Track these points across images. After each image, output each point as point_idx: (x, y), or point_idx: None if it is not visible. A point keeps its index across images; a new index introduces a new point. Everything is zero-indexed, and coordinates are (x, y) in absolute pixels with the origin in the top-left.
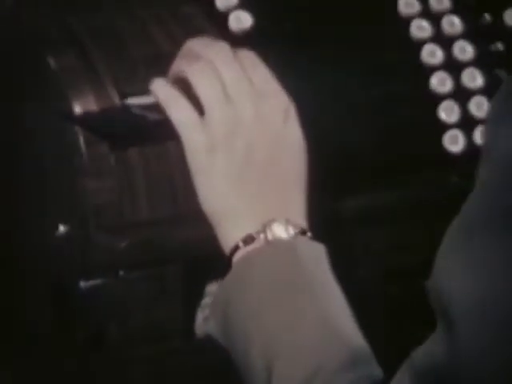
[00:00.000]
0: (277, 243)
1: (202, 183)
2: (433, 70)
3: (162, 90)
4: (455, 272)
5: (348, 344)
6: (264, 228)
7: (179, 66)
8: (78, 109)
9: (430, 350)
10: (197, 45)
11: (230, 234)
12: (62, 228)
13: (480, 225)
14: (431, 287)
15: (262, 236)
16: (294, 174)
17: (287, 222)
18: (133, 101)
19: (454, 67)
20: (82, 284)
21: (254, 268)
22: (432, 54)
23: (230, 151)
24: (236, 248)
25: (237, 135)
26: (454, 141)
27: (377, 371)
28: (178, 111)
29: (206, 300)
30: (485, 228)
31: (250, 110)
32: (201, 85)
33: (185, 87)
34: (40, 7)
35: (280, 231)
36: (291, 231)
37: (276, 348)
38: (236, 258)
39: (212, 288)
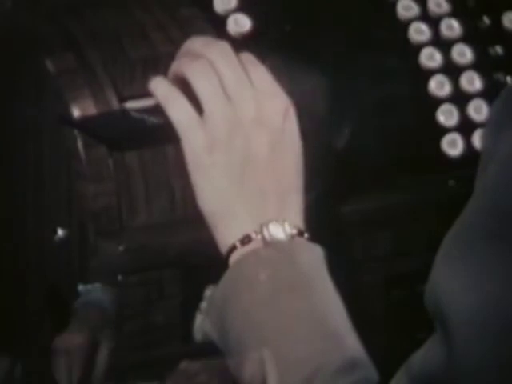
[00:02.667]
0: (274, 244)
1: (200, 183)
2: (431, 73)
3: (161, 89)
4: (453, 282)
5: (345, 347)
6: (261, 228)
7: (179, 65)
8: (76, 112)
9: (427, 356)
10: (196, 44)
11: (227, 234)
12: (60, 232)
13: (479, 233)
14: (428, 295)
15: (259, 236)
16: (292, 174)
17: (284, 222)
18: (131, 104)
19: (452, 71)
20: (81, 288)
21: (250, 268)
22: (431, 58)
23: (228, 151)
24: (233, 248)
25: (236, 135)
26: (453, 144)
27: (373, 374)
28: (177, 110)
29: (205, 304)
30: (484, 236)
31: (250, 110)
32: (200, 84)
33: (184, 86)
34: (39, 9)
35: (277, 232)
36: (288, 232)
37: (272, 350)
38: (233, 258)
39: (210, 292)
